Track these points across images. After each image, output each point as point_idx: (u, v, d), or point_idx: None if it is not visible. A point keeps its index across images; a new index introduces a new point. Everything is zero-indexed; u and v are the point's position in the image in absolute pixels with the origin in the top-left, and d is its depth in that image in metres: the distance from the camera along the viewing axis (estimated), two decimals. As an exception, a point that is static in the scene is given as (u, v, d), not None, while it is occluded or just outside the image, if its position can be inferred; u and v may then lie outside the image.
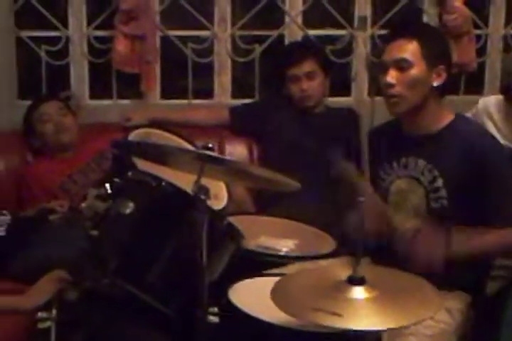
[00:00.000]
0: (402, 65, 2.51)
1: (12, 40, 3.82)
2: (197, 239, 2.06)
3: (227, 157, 2.25)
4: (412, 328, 2.25)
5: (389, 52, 2.56)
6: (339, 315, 1.85)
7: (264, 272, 2.56)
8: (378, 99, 2.64)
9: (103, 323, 2.35)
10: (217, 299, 2.24)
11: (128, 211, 2.29)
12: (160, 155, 2.21)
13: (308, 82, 3.62)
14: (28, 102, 3.63)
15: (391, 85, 2.52)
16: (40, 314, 2.20)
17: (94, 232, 2.33)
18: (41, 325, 2.19)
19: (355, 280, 1.96)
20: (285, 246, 2.78)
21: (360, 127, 3.61)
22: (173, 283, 2.26)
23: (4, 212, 3.13)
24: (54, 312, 2.20)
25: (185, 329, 2.21)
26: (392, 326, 1.86)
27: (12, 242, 3.01)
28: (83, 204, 2.52)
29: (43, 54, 3.86)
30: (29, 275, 2.55)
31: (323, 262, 2.66)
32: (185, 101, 4.00)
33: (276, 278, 2.12)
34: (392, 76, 2.52)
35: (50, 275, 2.33)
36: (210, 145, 2.16)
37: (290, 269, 2.57)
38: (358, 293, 1.94)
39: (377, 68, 2.66)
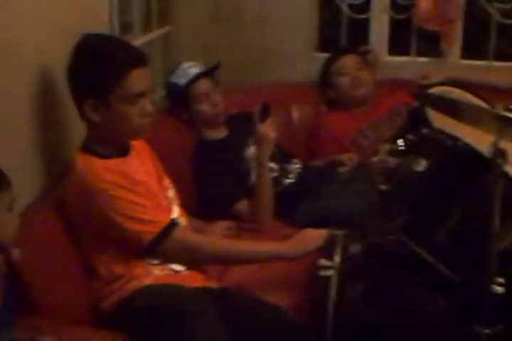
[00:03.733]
0: None
1: (316, -8, 3.88)
2: (489, 204, 1.97)
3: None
4: None
5: None
6: None
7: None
8: None
9: (383, 278, 2.34)
10: (505, 269, 2.13)
11: (420, 168, 2.23)
12: (458, 112, 2.13)
13: None
14: (326, 55, 3.67)
15: None
16: (322, 261, 2.22)
17: (384, 187, 2.31)
18: (323, 273, 2.22)
19: None
20: None
21: None
22: (460, 247, 2.19)
23: (295, 160, 3.21)
24: (337, 261, 2.21)
25: (466, 295, 2.15)
26: None
27: (300, 190, 3.08)
28: (374, 159, 2.50)
29: (345, 7, 3.87)
30: (312, 223, 2.59)
31: None
32: (485, 63, 3.84)
33: None
34: None
35: (320, 233, 2.34)
36: (513, 106, 2.05)
37: None
38: None
39: None
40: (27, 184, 2.24)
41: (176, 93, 3.15)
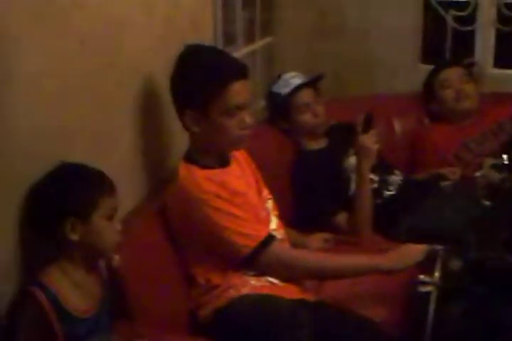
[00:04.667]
0: None
1: (420, 3, 3.83)
2: None
3: None
4: None
5: None
6: None
7: None
8: None
9: (484, 295, 2.27)
10: None
11: (526, 184, 2.18)
12: None
13: None
14: (430, 67, 3.62)
15: None
16: (422, 277, 2.18)
17: (487, 202, 2.25)
18: (422, 289, 2.18)
19: None
20: None
21: None
22: None
23: (397, 172, 3.16)
24: (437, 277, 2.16)
25: None
26: None
27: (401, 202, 3.02)
28: (477, 174, 2.45)
29: (450, 19, 3.81)
30: (412, 238, 2.54)
31: None
32: None
33: None
34: None
35: (420, 247, 2.29)
36: None
37: None
38: None
39: None
40: (130, 190, 2.28)
41: (278, 103, 3.15)
